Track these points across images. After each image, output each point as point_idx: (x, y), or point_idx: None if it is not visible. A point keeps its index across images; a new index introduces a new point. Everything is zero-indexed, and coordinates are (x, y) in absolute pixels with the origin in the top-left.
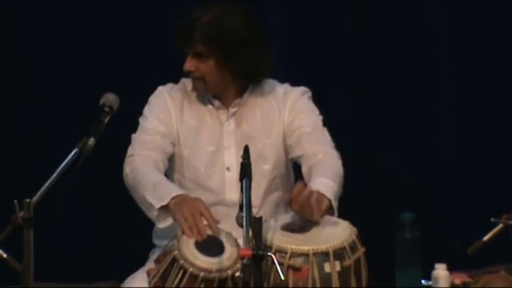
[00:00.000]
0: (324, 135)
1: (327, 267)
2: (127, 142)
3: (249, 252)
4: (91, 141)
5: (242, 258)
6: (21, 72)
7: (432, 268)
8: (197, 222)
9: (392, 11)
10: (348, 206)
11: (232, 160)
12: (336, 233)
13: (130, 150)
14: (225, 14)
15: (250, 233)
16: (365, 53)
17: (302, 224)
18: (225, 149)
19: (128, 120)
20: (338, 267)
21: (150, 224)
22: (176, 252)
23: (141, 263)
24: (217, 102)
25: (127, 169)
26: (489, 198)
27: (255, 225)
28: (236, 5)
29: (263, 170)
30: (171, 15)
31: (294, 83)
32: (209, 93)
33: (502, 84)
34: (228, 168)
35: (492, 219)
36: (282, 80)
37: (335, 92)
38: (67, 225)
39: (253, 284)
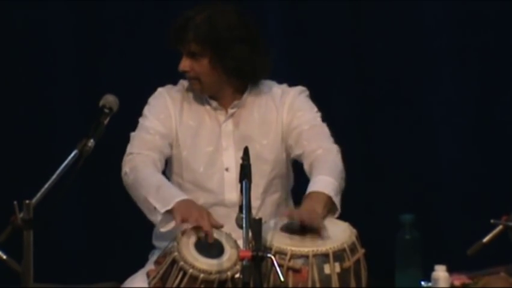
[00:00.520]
0: (323, 130)
1: (326, 269)
2: (127, 143)
3: (249, 254)
4: (91, 142)
5: (242, 259)
6: (21, 72)
7: (432, 269)
8: (206, 218)
9: (392, 11)
10: (348, 206)
11: (231, 160)
12: (336, 234)
13: (129, 149)
14: (218, 13)
15: (250, 234)
16: (365, 53)
17: (302, 226)
18: (223, 149)
19: (128, 121)
20: (337, 269)
21: (150, 226)
22: (176, 253)
23: (141, 264)
24: (214, 103)
25: (126, 168)
26: (489, 199)
27: (254, 227)
28: (231, 4)
29: (262, 171)
30: (171, 15)
31: (294, 83)
32: (205, 94)
33: (502, 85)
34: (227, 169)
35: (492, 221)
36: (281, 81)
37: (335, 92)
38: (66, 227)
39: (253, 286)
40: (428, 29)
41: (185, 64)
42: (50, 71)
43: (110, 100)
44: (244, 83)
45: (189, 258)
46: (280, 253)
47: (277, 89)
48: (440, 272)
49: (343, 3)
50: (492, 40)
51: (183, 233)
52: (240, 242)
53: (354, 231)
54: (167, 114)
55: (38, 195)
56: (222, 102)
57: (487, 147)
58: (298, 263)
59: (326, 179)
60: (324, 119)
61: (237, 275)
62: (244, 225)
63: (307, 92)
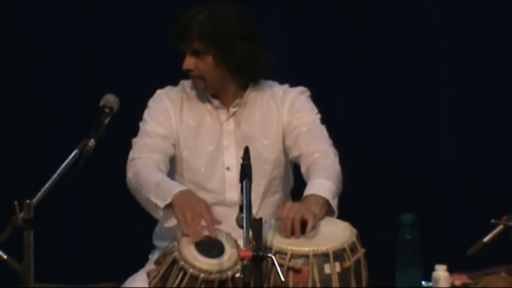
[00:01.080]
0: (322, 133)
1: (327, 269)
2: (128, 143)
3: (249, 254)
4: (91, 142)
5: (242, 259)
6: (21, 72)
7: (433, 269)
8: (195, 225)
9: (392, 11)
10: (348, 207)
11: (232, 160)
12: (336, 234)
13: (131, 155)
14: (220, 11)
15: (251, 234)
16: (365, 54)
17: (302, 226)
18: (224, 148)
19: (129, 121)
20: (338, 269)
21: (150, 225)
22: (176, 253)
23: (141, 264)
24: (216, 102)
25: (129, 174)
26: (489, 199)
27: (255, 227)
28: (232, 3)
29: (262, 170)
30: (172, 15)
31: (294, 83)
32: (209, 92)
33: (502, 85)
34: (228, 168)
35: (492, 221)
36: (282, 81)
37: (335, 92)
38: (67, 226)
39: (254, 285)
40: (428, 29)
41: (189, 62)
42: (50, 70)
43: (110, 100)
44: (247, 81)
45: (189, 258)
46: (280, 253)
47: (278, 89)
48: (441, 272)
49: (343, 3)
50: (492, 40)
51: (183, 232)
52: (240, 242)
53: (355, 231)
54: (166, 116)
55: (39, 195)
56: (224, 101)
57: (487, 147)
58: (298, 263)
59: (324, 182)
60: (324, 118)
61: (238, 275)
62: (244, 225)
63: (308, 93)
